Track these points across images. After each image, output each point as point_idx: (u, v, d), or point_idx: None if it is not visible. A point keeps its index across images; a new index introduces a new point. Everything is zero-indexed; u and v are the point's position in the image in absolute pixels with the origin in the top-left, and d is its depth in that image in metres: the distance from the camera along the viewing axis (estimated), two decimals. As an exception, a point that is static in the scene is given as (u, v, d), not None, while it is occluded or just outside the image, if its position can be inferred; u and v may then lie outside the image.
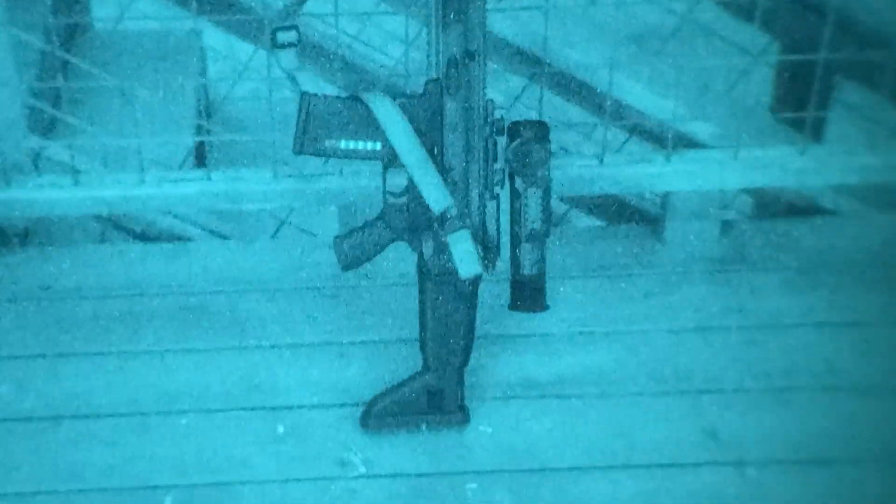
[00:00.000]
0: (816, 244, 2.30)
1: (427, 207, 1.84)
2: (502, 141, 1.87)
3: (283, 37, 1.81)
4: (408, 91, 1.93)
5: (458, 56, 1.79)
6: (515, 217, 1.91)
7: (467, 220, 1.86)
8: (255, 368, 2.08)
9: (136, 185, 2.17)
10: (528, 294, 1.95)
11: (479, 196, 1.87)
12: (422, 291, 1.93)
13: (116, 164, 2.37)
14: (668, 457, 1.95)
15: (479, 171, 1.86)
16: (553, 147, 1.89)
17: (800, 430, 1.98)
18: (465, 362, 1.95)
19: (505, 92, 2.37)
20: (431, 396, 1.96)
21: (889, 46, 2.30)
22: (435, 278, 1.90)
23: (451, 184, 1.85)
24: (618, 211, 2.65)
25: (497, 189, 1.88)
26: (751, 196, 2.67)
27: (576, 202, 2.81)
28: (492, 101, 1.85)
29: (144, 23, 2.88)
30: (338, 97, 1.84)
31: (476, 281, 1.91)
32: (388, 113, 1.81)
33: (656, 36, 2.40)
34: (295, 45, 1.82)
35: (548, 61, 2.17)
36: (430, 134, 1.84)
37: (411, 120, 1.82)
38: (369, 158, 1.85)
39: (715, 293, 2.21)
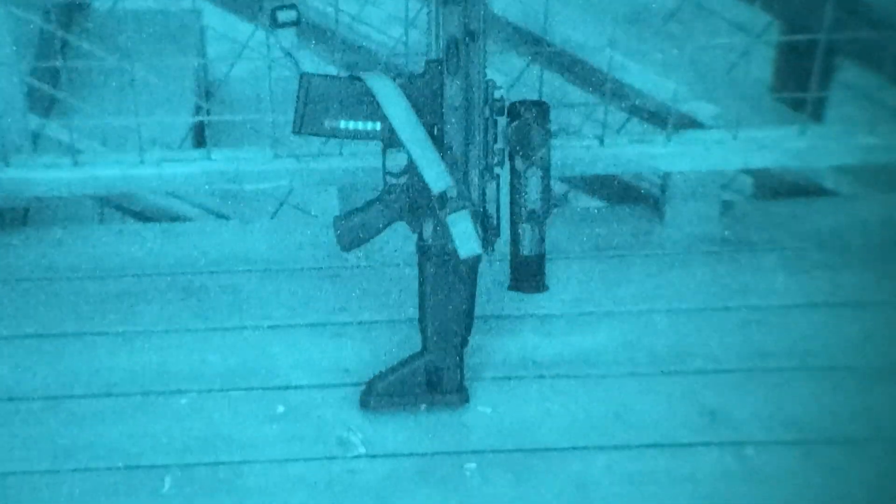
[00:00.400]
0: (816, 225, 2.30)
1: (427, 188, 1.84)
2: (502, 121, 1.87)
3: (282, 16, 1.81)
4: (408, 71, 1.92)
5: (458, 36, 1.79)
6: (515, 197, 1.91)
7: (467, 201, 1.86)
8: (254, 348, 2.08)
9: (135, 165, 2.17)
10: (528, 274, 1.95)
11: (479, 176, 1.87)
12: (421, 272, 1.93)
13: (115, 144, 2.37)
14: (668, 437, 1.95)
15: (478, 152, 1.86)
16: (553, 127, 1.89)
17: (799, 411, 1.99)
18: (464, 342, 1.95)
19: (505, 72, 2.36)
20: (431, 377, 1.96)
21: (890, 27, 2.29)
22: (434, 258, 1.90)
23: (450, 164, 1.85)
24: (618, 191, 2.65)
25: (497, 169, 1.88)
26: (751, 176, 2.66)
27: (576, 183, 2.81)
28: (492, 81, 1.84)
29: (143, 2, 2.87)
30: (337, 77, 1.84)
31: (475, 261, 1.91)
32: (387, 93, 1.81)
33: (657, 16, 2.39)
34: (294, 25, 1.82)
35: (548, 41, 2.17)
36: (429, 114, 1.83)
37: (411, 100, 1.82)
38: (369, 139, 1.85)
39: (715, 274, 2.21)
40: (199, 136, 2.78)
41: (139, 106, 2.13)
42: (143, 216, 2.56)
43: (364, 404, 1.98)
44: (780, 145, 2.20)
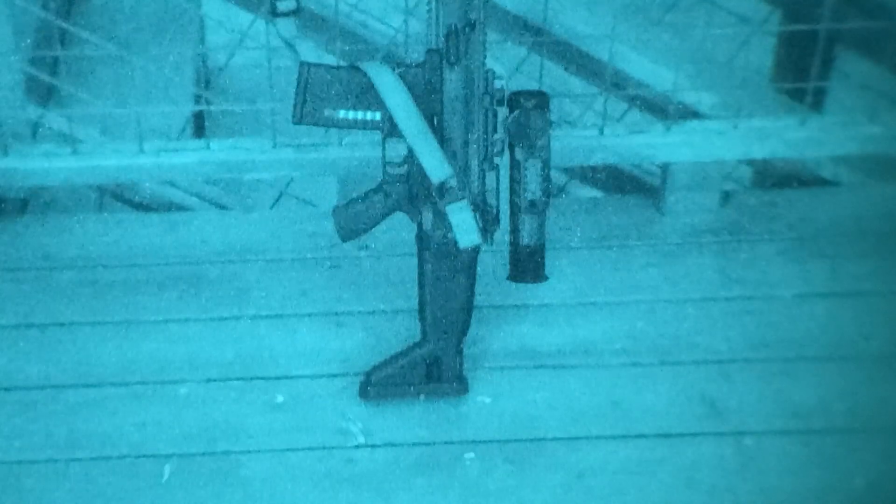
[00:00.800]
0: (816, 214, 2.30)
1: (426, 178, 1.84)
2: (502, 111, 1.86)
3: (282, 5, 1.80)
4: (408, 61, 1.92)
5: (458, 25, 1.79)
6: (515, 187, 1.91)
7: (467, 191, 1.86)
8: (254, 338, 2.09)
9: (134, 155, 2.16)
10: (528, 265, 1.95)
11: (479, 166, 1.87)
12: (421, 262, 1.93)
13: (115, 134, 2.36)
14: (667, 427, 1.95)
15: (478, 142, 1.85)
16: (553, 117, 1.89)
17: (798, 400, 1.99)
18: (463, 333, 1.95)
19: (505, 62, 2.35)
20: (430, 366, 1.96)
21: (890, 17, 2.29)
22: (434, 249, 1.90)
23: (450, 154, 1.84)
24: (617, 182, 2.65)
25: (497, 159, 1.88)
26: (751, 166, 2.66)
27: (576, 173, 2.81)
28: (492, 70, 1.84)
29: (143, -10, 2.87)
30: (337, 67, 1.84)
31: (475, 251, 1.90)
32: (387, 83, 1.81)
33: (657, 5, 2.38)
34: (294, 14, 1.81)
35: (548, 31, 2.17)
36: (429, 104, 1.83)
37: (411, 90, 1.81)
38: (369, 128, 1.85)
39: (714, 263, 2.21)
40: (199, 126, 2.78)
41: (138, 95, 2.13)
42: (143, 206, 2.56)
43: (363, 394, 1.98)
44: (781, 135, 2.20)
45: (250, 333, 2.09)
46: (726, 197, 2.30)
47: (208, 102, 2.33)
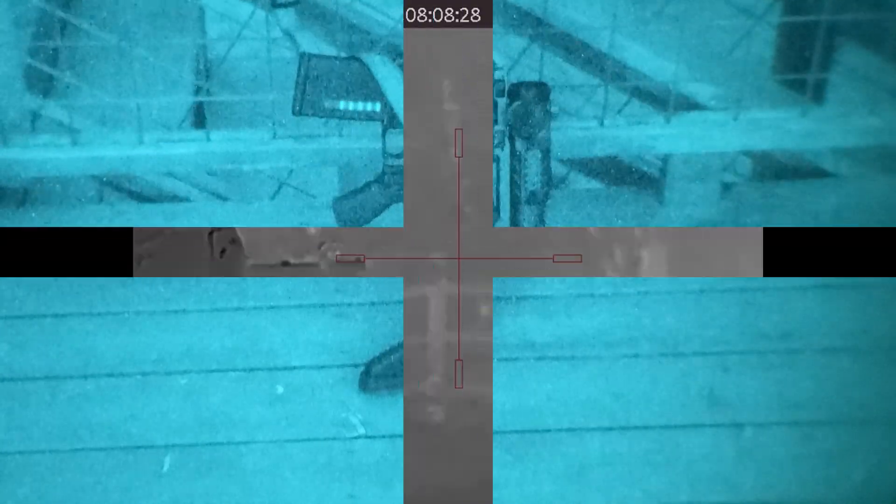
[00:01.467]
0: (816, 206, 2.29)
1: (426, 169, 1.84)
2: (502, 102, 1.86)
3: (282, -4, 1.80)
4: (407, 51, 1.92)
5: (458, 16, 1.78)
6: (515, 179, 1.91)
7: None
8: (254, 329, 2.08)
9: (134, 146, 2.16)
10: (528, 256, 1.95)
11: (479, 157, 1.87)
12: (421, 253, 1.92)
13: (115, 124, 2.36)
14: (667, 418, 1.95)
15: (478, 133, 1.85)
16: (553, 108, 1.88)
17: (798, 392, 1.99)
18: (464, 324, 1.96)
19: (505, 53, 2.35)
20: (430, 358, 1.96)
21: (891, 8, 2.28)
22: (434, 240, 1.90)
23: (450, 145, 1.84)
24: (617, 173, 2.64)
25: (497, 151, 1.88)
26: (751, 158, 2.66)
27: (576, 164, 2.80)
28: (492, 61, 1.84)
29: (143, -19, 2.86)
30: (337, 57, 1.84)
31: (475, 242, 1.90)
32: (387, 73, 1.80)
33: (658, -4, 2.38)
34: (294, 5, 1.81)
35: (549, 22, 2.16)
36: (429, 95, 1.83)
37: (411, 81, 1.81)
38: (369, 119, 1.85)
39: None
40: (199, 117, 2.78)
41: (138, 86, 2.12)
42: (143, 197, 2.55)
43: (363, 385, 1.98)
44: (781, 127, 2.20)
45: (250, 324, 2.09)
46: (726, 188, 2.30)
47: (208, 93, 2.33)
